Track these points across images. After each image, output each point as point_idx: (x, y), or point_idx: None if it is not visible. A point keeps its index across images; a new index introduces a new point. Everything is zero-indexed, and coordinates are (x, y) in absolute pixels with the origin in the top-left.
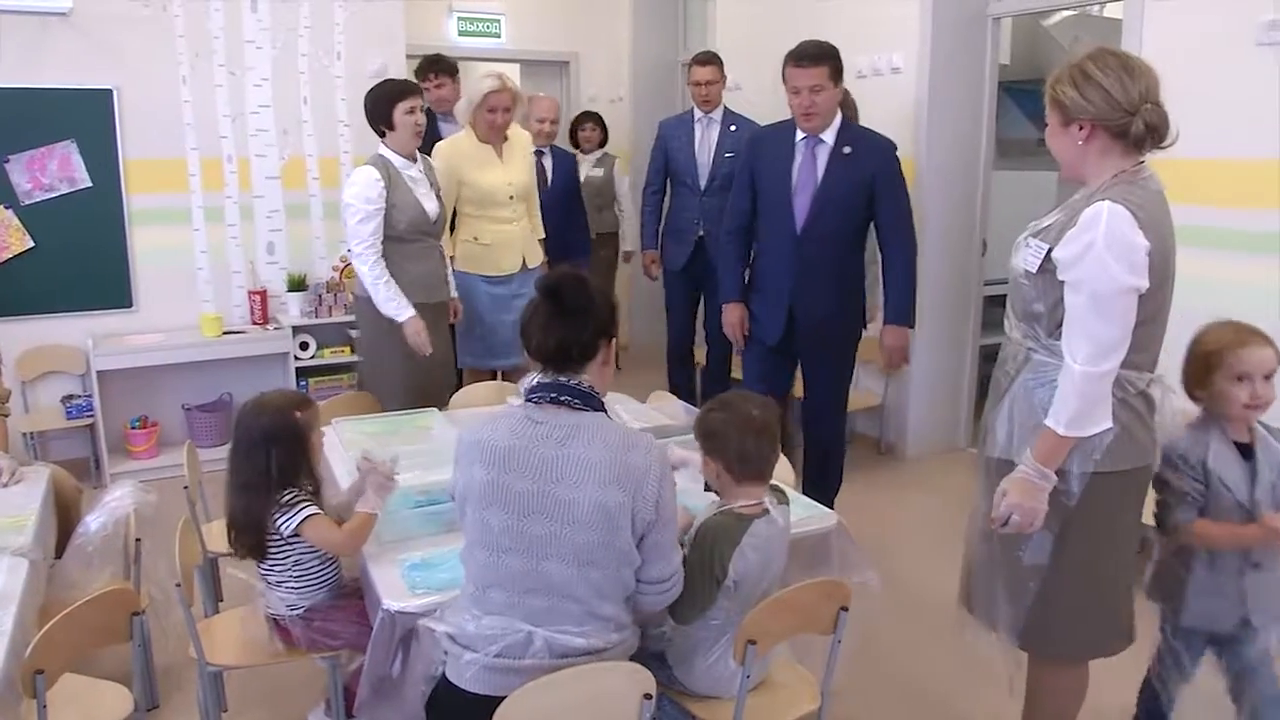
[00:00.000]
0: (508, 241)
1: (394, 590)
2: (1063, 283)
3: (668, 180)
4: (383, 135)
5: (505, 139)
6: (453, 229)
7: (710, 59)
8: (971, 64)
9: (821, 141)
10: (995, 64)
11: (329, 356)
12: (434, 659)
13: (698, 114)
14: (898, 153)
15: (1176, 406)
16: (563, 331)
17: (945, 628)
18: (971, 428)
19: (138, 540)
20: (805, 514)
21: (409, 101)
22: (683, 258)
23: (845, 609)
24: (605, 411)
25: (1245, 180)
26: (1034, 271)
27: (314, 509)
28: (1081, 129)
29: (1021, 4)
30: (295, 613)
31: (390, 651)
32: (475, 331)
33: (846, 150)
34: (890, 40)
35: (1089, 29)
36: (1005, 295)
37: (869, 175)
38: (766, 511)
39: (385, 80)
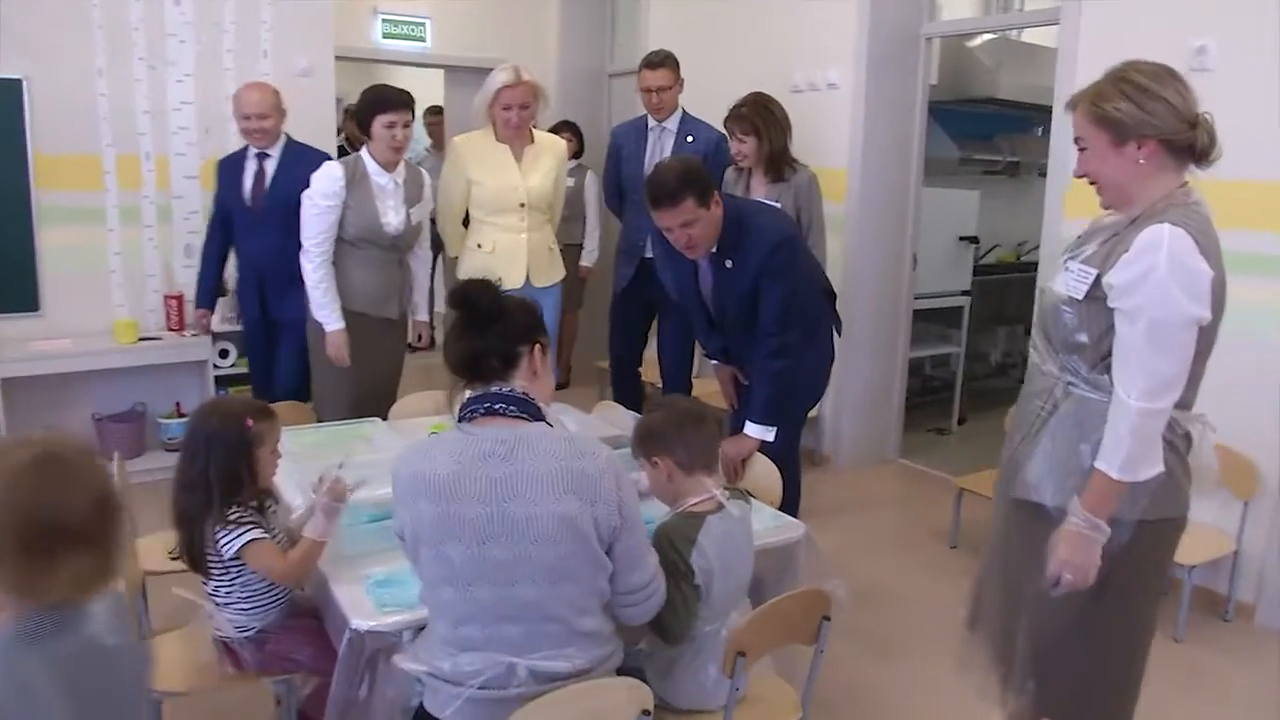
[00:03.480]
0: (513, 252)
1: (360, 609)
2: (1112, 311)
3: (622, 194)
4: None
5: (531, 141)
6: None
7: (662, 61)
8: (904, 82)
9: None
10: (927, 83)
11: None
12: (406, 685)
13: (651, 122)
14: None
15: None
16: (477, 341)
17: (900, 636)
18: (900, 439)
19: None
20: (773, 524)
21: (389, 115)
22: (625, 279)
23: (828, 619)
24: (546, 421)
25: None
26: (1079, 298)
27: (258, 533)
28: (1141, 146)
29: (954, 26)
30: (246, 635)
31: (358, 674)
32: None
33: (728, 264)
34: (826, 56)
35: (1012, 53)
36: (934, 309)
37: (751, 282)
38: (721, 506)
39: (374, 87)
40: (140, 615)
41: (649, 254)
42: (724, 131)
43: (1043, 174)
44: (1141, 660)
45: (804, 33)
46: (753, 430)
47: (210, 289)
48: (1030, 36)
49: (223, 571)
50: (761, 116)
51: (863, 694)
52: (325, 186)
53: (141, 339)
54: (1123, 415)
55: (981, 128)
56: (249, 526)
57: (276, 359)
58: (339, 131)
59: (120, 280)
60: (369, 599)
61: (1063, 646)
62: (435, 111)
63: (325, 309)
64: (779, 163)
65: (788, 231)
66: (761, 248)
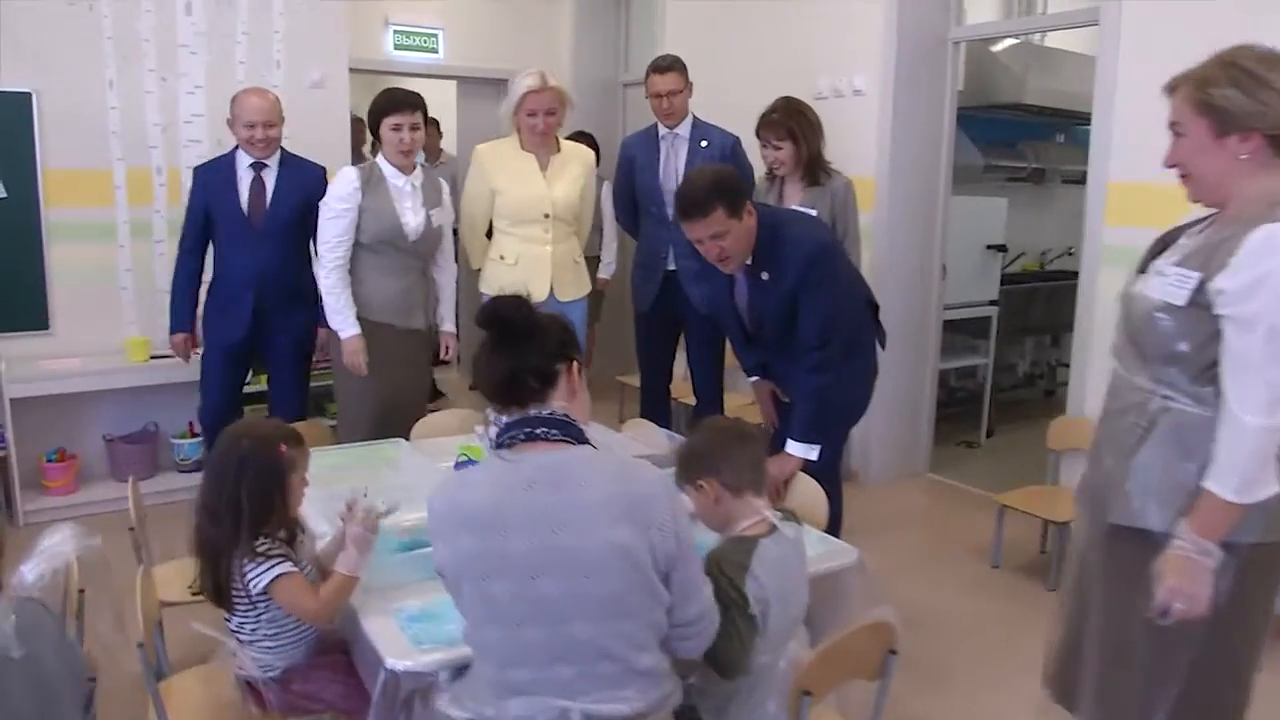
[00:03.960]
0: (537, 265)
1: (396, 646)
2: (1217, 318)
3: (636, 207)
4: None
5: (557, 149)
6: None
7: (670, 65)
8: (932, 88)
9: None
10: (955, 89)
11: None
12: None
13: (662, 130)
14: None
15: None
16: (511, 361)
17: (949, 664)
18: (931, 453)
19: (81, 591)
20: (822, 548)
21: (396, 118)
22: (650, 296)
23: (894, 652)
24: (589, 443)
25: None
26: (1180, 305)
27: (288, 566)
28: (1244, 140)
29: (983, 29)
30: (270, 673)
31: (394, 717)
32: None
33: (764, 277)
34: (852, 62)
35: (1038, 57)
36: (963, 320)
37: (788, 295)
38: (774, 529)
39: (385, 90)
40: (158, 651)
41: (672, 267)
42: (738, 135)
43: (1066, 180)
44: (1246, 695)
45: (828, 38)
46: (795, 449)
47: (192, 309)
48: (1054, 41)
49: (249, 607)
50: (796, 121)
51: None
52: (339, 190)
53: (153, 357)
54: (1238, 433)
55: (1004, 134)
56: (278, 559)
57: (275, 380)
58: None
59: (132, 297)
60: (404, 635)
61: (1169, 679)
62: (435, 126)
63: (339, 315)
64: (814, 168)
65: (826, 241)
66: (798, 259)
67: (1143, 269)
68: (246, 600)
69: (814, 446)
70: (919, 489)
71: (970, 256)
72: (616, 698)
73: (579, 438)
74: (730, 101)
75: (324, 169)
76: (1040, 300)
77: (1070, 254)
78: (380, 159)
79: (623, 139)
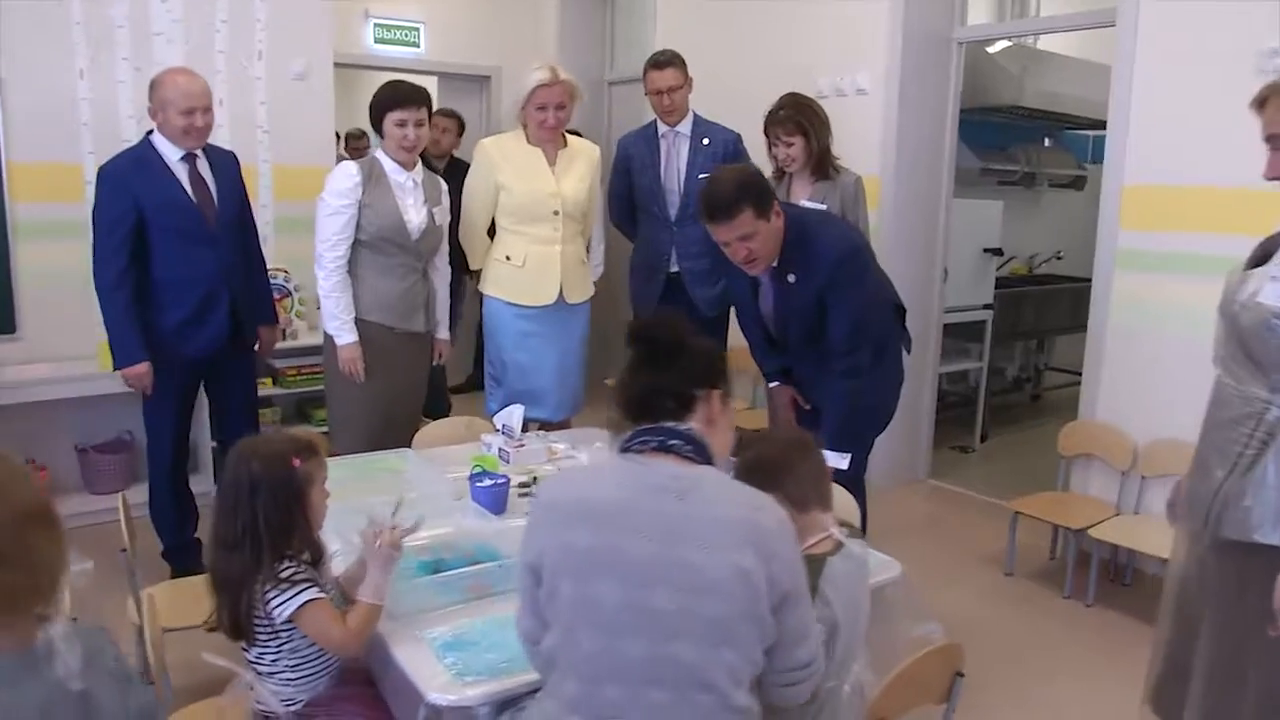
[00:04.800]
0: (546, 266)
1: (435, 678)
2: None
3: (633, 209)
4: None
5: (564, 144)
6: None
7: (670, 60)
8: (936, 89)
9: (771, 267)
10: (958, 90)
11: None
12: None
13: (661, 128)
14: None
15: None
16: (654, 378)
17: (978, 678)
18: (931, 458)
19: (74, 620)
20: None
21: (401, 113)
22: (652, 300)
23: (961, 674)
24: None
25: (1250, 208)
26: None
27: (315, 592)
28: None
29: (987, 30)
30: (291, 707)
31: None
32: (500, 374)
33: (791, 279)
34: (855, 61)
35: (1034, 60)
36: (963, 324)
37: (816, 298)
38: (840, 545)
39: (389, 82)
40: (164, 683)
41: (674, 269)
42: (739, 133)
43: (1053, 185)
44: None
45: (829, 37)
46: (827, 458)
47: (143, 334)
48: (1045, 44)
49: (270, 636)
50: (806, 116)
51: None
52: (339, 185)
53: None
54: None
55: (996, 138)
56: (304, 585)
57: (229, 393)
58: (339, 139)
59: None
60: (441, 666)
61: None
62: (358, 135)
63: (338, 320)
64: (824, 163)
65: (856, 242)
66: (827, 261)
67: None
68: (269, 630)
69: (845, 454)
70: (920, 495)
71: (967, 259)
72: None
73: (709, 461)
74: (726, 100)
75: (235, 154)
76: (1029, 304)
77: (1059, 258)
78: (380, 154)
79: (619, 138)
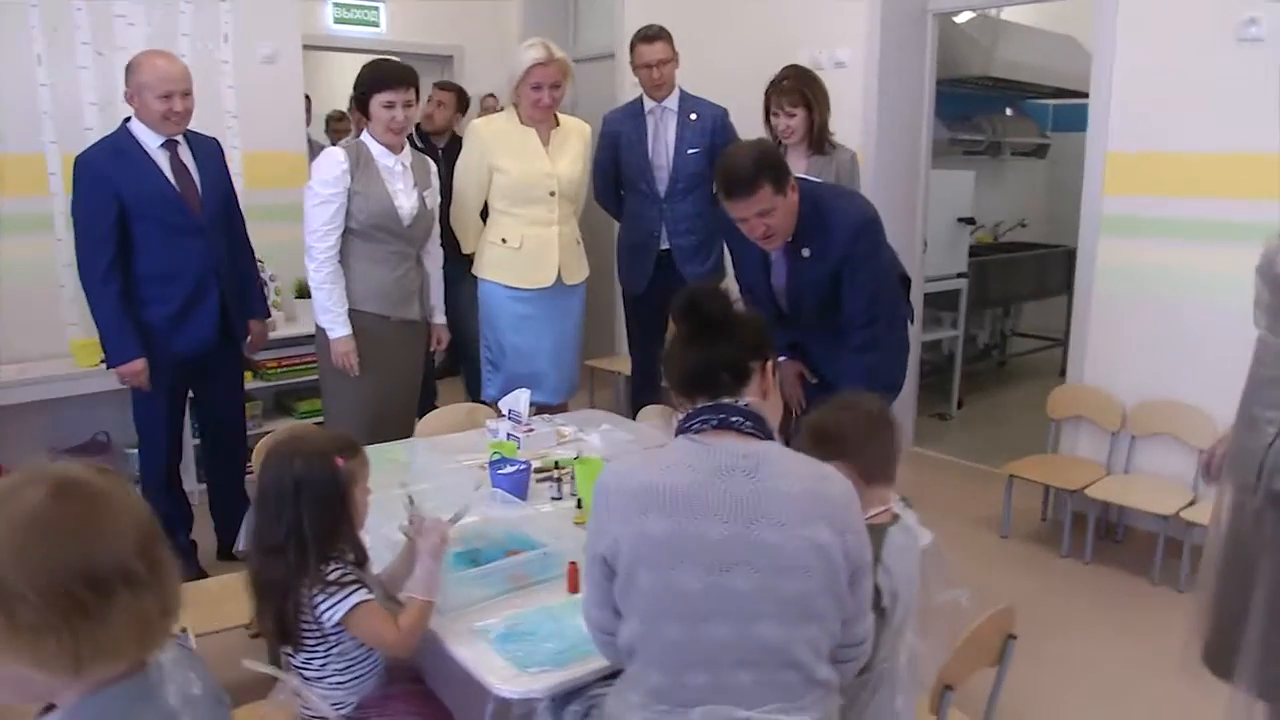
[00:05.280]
0: (543, 248)
1: (498, 672)
2: None
3: (619, 186)
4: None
5: (556, 124)
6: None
7: (658, 34)
8: (913, 61)
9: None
10: (934, 61)
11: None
12: None
13: (648, 104)
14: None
15: None
16: (707, 352)
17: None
18: (915, 425)
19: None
20: None
21: (389, 94)
22: (644, 278)
23: (1013, 636)
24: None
25: (1231, 172)
26: None
27: (364, 593)
28: None
29: (960, 1)
30: (342, 711)
31: None
32: (497, 359)
33: (805, 253)
34: (833, 34)
35: (1003, 30)
36: (939, 293)
37: (832, 271)
38: (897, 517)
39: (374, 61)
40: None
41: (665, 246)
42: (726, 108)
43: (1015, 153)
44: None
45: (807, 9)
46: None
47: (138, 329)
48: (1010, 16)
49: (318, 640)
50: (810, 88)
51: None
52: (327, 173)
53: (103, 361)
54: None
55: (961, 108)
56: (353, 586)
57: (216, 390)
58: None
59: (72, 295)
60: (501, 659)
61: None
62: (338, 118)
63: (331, 314)
64: (821, 138)
65: (870, 214)
66: (844, 233)
67: None
68: (317, 634)
69: None
70: (905, 462)
71: (942, 229)
72: (795, 709)
73: (769, 436)
74: (701, 76)
75: (219, 142)
76: (998, 272)
77: (1023, 226)
78: (367, 137)
79: (604, 115)
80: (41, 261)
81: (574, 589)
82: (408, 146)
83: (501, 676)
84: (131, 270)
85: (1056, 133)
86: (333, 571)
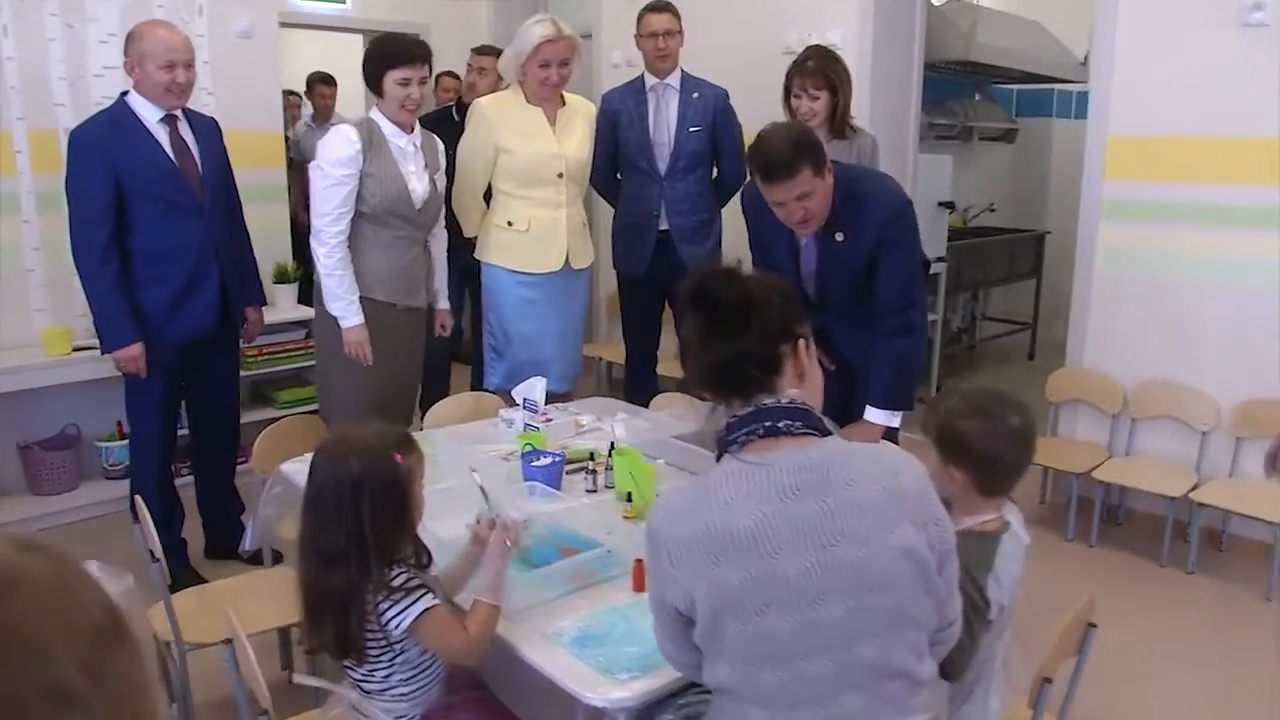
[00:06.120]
0: (551, 231)
1: (582, 677)
2: None
3: (615, 170)
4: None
5: (562, 103)
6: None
7: (667, 5)
8: (902, 44)
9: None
10: (923, 45)
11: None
12: None
13: (650, 80)
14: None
15: None
16: (729, 345)
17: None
18: None
19: None
20: None
21: (404, 71)
22: (643, 260)
23: (1093, 625)
24: (830, 431)
25: (1236, 156)
26: None
27: (431, 599)
28: None
29: None
30: None
31: None
32: (502, 346)
33: (839, 238)
34: (824, 16)
35: (982, 15)
36: (932, 275)
37: (867, 255)
38: (1008, 524)
39: (386, 35)
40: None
41: (664, 226)
42: (726, 89)
43: (983, 138)
44: None
45: None
46: (877, 416)
47: (133, 312)
48: (989, 1)
49: (382, 650)
50: (834, 69)
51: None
52: (339, 153)
53: (76, 349)
54: None
55: (932, 92)
56: (420, 592)
57: (210, 380)
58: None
59: (41, 280)
60: (583, 663)
61: None
62: (327, 81)
63: (343, 301)
64: (843, 122)
65: (905, 197)
66: (880, 216)
67: None
68: (382, 643)
69: (897, 413)
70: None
71: (924, 213)
72: (907, 712)
73: (821, 428)
74: (691, 56)
75: (217, 121)
76: (970, 256)
77: (992, 210)
78: (377, 115)
79: (603, 95)
80: (8, 245)
81: (639, 587)
82: (418, 127)
83: (588, 684)
84: (128, 247)
85: (1021, 117)
86: (397, 576)
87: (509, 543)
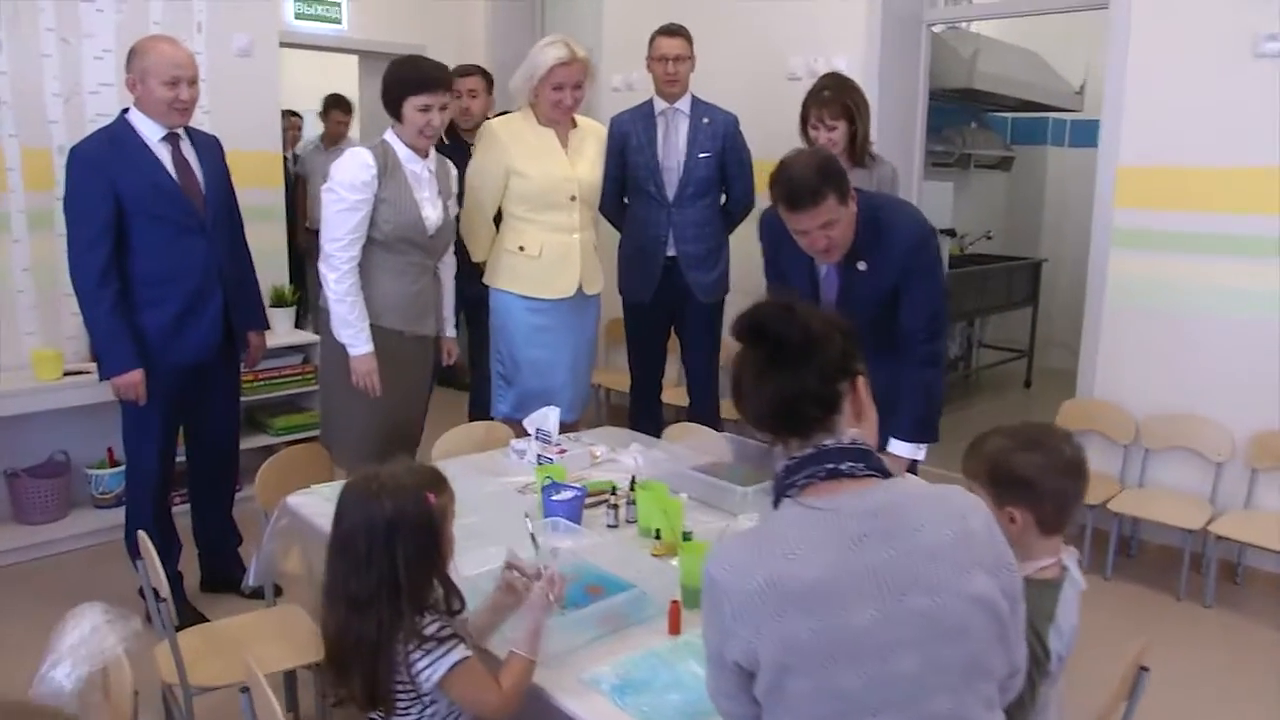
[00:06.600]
0: (564, 256)
1: None
2: None
3: (623, 193)
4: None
5: (573, 125)
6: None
7: (679, 30)
8: (907, 71)
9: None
10: (928, 72)
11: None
12: None
13: (659, 104)
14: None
15: None
16: (787, 383)
17: None
18: None
19: (135, 694)
20: None
21: (425, 98)
22: (649, 287)
23: (1145, 669)
24: (890, 473)
25: (1249, 186)
26: None
27: (463, 649)
28: None
29: (955, 12)
30: None
31: None
32: (511, 373)
33: (861, 267)
34: (828, 43)
35: (984, 43)
36: None
37: (890, 285)
38: (1065, 569)
39: (408, 59)
40: None
41: (672, 253)
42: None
43: (979, 165)
44: None
45: (800, 18)
46: (903, 449)
47: (136, 337)
48: (984, 28)
49: (412, 702)
50: (852, 98)
51: None
52: (354, 176)
53: (67, 373)
54: None
55: (931, 120)
56: (452, 642)
57: (211, 407)
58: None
59: (32, 301)
60: (626, 714)
61: None
62: (344, 108)
63: (353, 329)
64: (862, 150)
65: (929, 226)
66: (905, 245)
67: None
68: (411, 695)
69: (922, 446)
70: None
71: None
72: None
73: (883, 469)
74: (695, 81)
75: (219, 140)
76: (968, 284)
77: (988, 238)
78: (393, 138)
79: (612, 118)
80: None
81: (674, 630)
82: (433, 152)
83: None
84: (128, 269)
85: (1015, 145)
86: (429, 624)
87: (552, 597)
